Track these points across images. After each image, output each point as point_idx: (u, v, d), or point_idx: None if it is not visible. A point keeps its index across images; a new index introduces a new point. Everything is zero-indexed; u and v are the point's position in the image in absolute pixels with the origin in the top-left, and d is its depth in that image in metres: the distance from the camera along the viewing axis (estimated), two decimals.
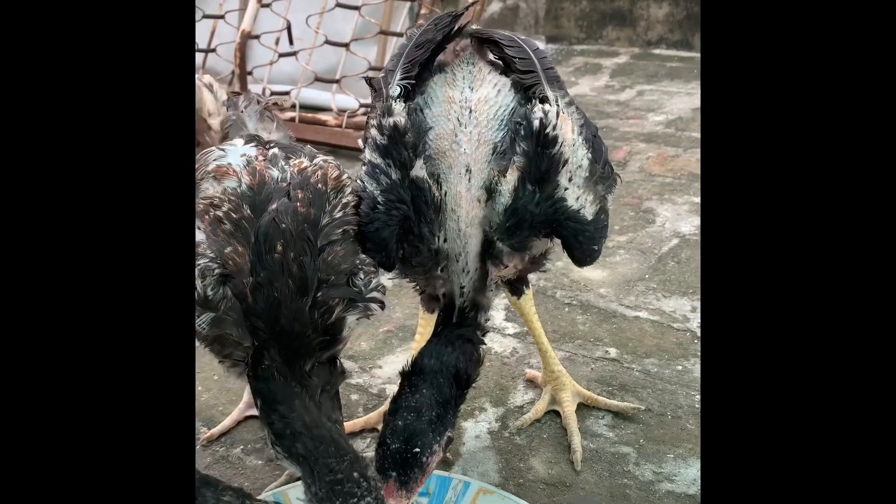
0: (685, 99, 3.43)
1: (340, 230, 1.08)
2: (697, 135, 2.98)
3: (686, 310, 1.84)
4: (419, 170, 1.11)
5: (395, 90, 1.16)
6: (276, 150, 1.15)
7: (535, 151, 1.10)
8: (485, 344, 1.17)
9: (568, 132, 1.14)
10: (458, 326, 1.13)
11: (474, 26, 1.29)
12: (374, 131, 1.15)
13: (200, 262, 1.00)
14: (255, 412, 1.22)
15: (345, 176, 1.15)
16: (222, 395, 1.59)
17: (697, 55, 4.07)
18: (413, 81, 1.18)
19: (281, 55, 3.15)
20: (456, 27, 1.21)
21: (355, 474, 0.96)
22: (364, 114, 2.87)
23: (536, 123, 1.11)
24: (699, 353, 1.68)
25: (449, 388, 1.08)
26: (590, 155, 1.16)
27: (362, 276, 1.08)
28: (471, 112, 1.14)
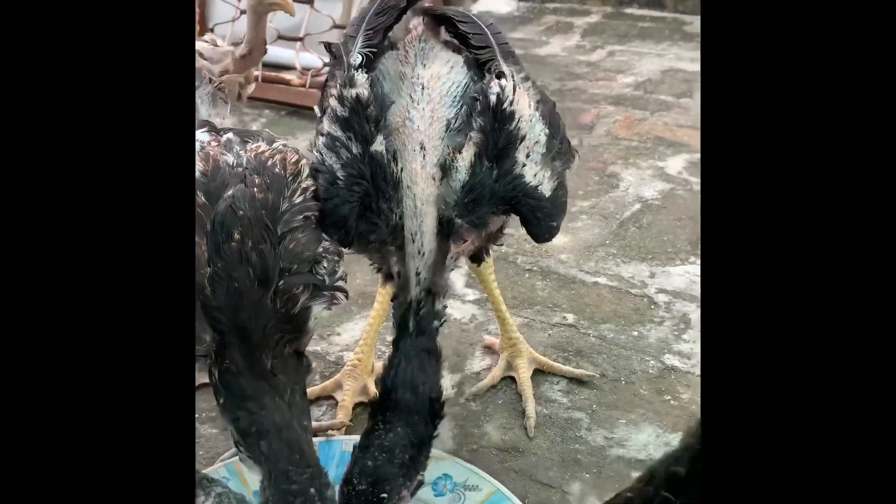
0: (655, 60, 3.41)
1: (301, 216, 1.04)
2: (665, 97, 2.98)
3: (644, 275, 1.86)
4: (378, 145, 1.09)
5: (357, 58, 1.13)
6: (230, 135, 1.10)
7: (492, 127, 1.09)
8: (438, 333, 1.13)
9: (525, 108, 1.13)
10: (419, 334, 1.09)
11: (427, 3, 1.26)
12: (333, 101, 1.11)
13: None
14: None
15: (304, 161, 1.11)
16: None
17: (669, 15, 4.03)
18: (375, 50, 1.15)
19: (243, 12, 3.06)
20: None
21: (312, 490, 0.92)
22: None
23: (493, 98, 1.09)
24: (655, 319, 1.70)
25: (424, 427, 1.04)
26: (547, 130, 1.15)
27: (325, 265, 1.05)
28: (423, 88, 1.12)
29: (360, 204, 1.09)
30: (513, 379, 1.51)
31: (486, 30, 1.17)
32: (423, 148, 1.09)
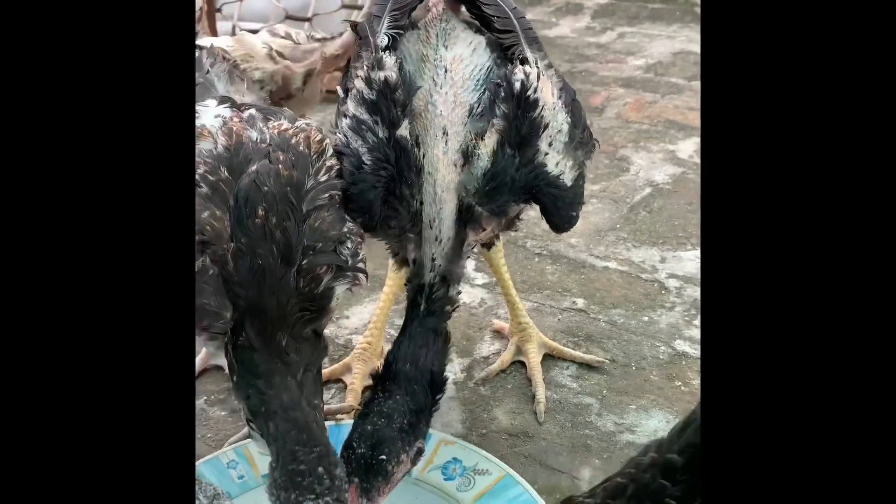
0: (666, 42, 3.37)
1: (327, 194, 1.02)
2: (676, 80, 2.94)
3: (655, 260, 1.84)
4: (404, 129, 1.07)
5: (383, 39, 1.11)
6: (252, 111, 1.08)
7: (515, 114, 1.07)
8: (450, 319, 1.13)
9: (548, 95, 1.11)
10: (428, 314, 1.09)
11: None
12: (360, 83, 1.09)
13: None
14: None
15: (327, 140, 1.09)
16: None
17: None
18: (401, 31, 1.13)
19: None
20: None
21: (320, 469, 0.91)
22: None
23: (518, 85, 1.08)
24: (666, 305, 1.69)
25: (424, 396, 1.04)
26: (569, 119, 1.14)
27: (349, 246, 1.03)
28: (446, 71, 1.10)
29: (384, 189, 1.07)
30: (522, 363, 1.50)
31: (510, 13, 1.15)
32: (445, 133, 1.08)
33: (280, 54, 1.66)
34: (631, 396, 1.44)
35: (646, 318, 1.65)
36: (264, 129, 1.04)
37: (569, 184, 1.13)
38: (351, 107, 1.10)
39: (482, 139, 1.07)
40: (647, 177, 2.24)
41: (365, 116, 1.08)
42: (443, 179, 1.07)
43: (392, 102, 1.07)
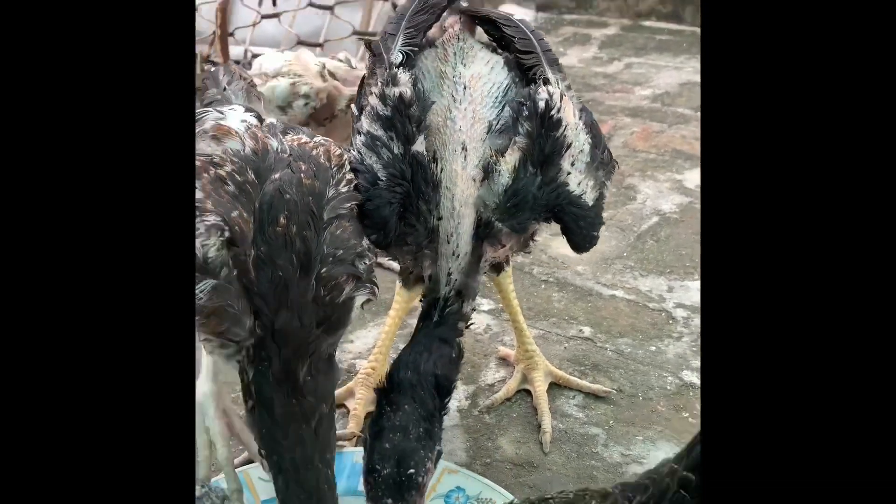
0: (673, 73, 3.39)
1: (348, 204, 1.02)
2: (683, 110, 2.95)
3: (662, 289, 1.83)
4: (419, 145, 1.07)
5: (398, 56, 1.12)
6: (272, 120, 1.08)
7: (538, 133, 1.08)
8: (463, 335, 1.12)
9: (570, 116, 1.12)
10: (438, 325, 1.08)
11: (464, 3, 1.25)
12: (374, 100, 1.10)
13: (207, 219, 0.90)
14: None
15: (346, 155, 1.08)
16: None
17: (687, 28, 4.02)
18: (416, 49, 1.13)
19: (264, 17, 3.07)
20: None
21: None
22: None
23: (542, 105, 1.08)
24: (673, 335, 1.67)
25: (432, 400, 1.02)
26: (590, 140, 1.14)
27: (367, 262, 1.02)
28: (465, 88, 1.11)
29: (400, 206, 1.07)
30: (528, 392, 1.48)
31: (530, 35, 1.17)
32: (464, 148, 1.08)
33: (332, 74, 1.68)
34: (638, 427, 1.42)
35: (653, 348, 1.63)
36: (284, 140, 1.04)
37: (590, 203, 1.13)
38: (365, 123, 1.10)
39: (503, 156, 1.07)
40: (654, 206, 2.24)
41: (380, 133, 1.08)
42: (461, 194, 1.07)
43: (407, 118, 1.07)
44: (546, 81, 1.11)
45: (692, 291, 1.82)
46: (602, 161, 1.17)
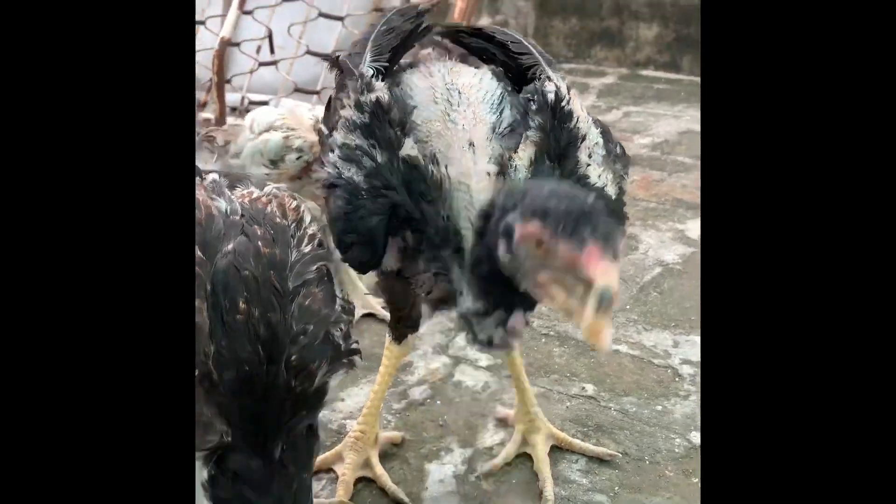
0: (671, 122, 3.38)
1: (314, 266, 0.91)
2: (683, 158, 2.93)
3: (668, 344, 1.76)
4: (410, 149, 1.01)
5: (368, 70, 1.09)
6: (214, 176, 1.00)
7: (552, 125, 1.04)
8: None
9: (579, 108, 1.09)
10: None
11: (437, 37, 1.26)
12: (348, 111, 1.06)
13: None
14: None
15: (303, 206, 1.00)
16: None
17: (685, 77, 4.03)
18: (386, 65, 1.11)
19: (261, 64, 3.07)
20: (422, 23, 1.17)
21: None
22: None
23: (551, 96, 1.06)
24: (680, 393, 1.59)
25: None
26: (601, 133, 1.12)
27: (342, 328, 0.92)
28: (460, 93, 1.08)
29: (390, 217, 1.01)
30: (528, 456, 1.40)
31: (522, 39, 1.17)
32: (472, 145, 1.03)
33: None
34: (645, 494, 1.34)
35: (659, 408, 1.55)
36: (232, 197, 0.95)
37: (613, 197, 1.08)
38: (339, 137, 1.06)
39: (516, 152, 1.03)
40: (656, 256, 2.18)
41: (359, 142, 1.04)
42: (477, 185, 1.00)
43: (388, 123, 1.03)
44: (548, 78, 1.10)
45: (698, 347, 1.74)
46: (617, 154, 1.13)
